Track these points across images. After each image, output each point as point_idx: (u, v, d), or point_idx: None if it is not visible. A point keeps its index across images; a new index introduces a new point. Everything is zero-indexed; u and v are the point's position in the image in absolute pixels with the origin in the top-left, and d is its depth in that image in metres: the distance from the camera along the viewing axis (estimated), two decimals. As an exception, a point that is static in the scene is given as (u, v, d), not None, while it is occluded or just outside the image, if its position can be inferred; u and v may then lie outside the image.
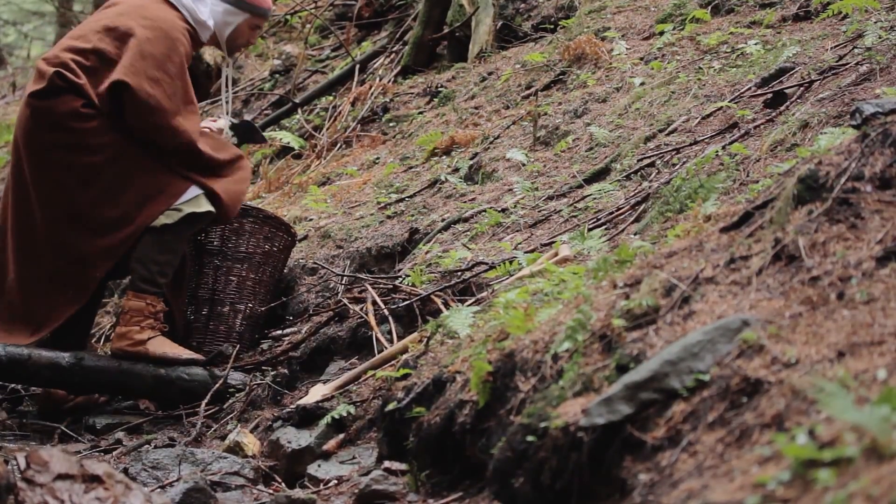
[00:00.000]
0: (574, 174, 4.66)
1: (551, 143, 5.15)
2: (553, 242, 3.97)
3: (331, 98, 7.39)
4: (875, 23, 4.52)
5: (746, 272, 2.24)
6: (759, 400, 1.84)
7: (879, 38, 4.35)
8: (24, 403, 4.66)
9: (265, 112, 7.77)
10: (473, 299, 3.74)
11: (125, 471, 3.37)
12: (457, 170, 5.29)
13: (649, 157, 4.39)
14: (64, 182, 4.19)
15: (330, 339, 4.23)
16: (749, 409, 1.85)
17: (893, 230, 2.12)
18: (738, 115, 4.35)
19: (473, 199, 4.88)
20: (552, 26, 6.69)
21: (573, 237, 3.82)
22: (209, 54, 7.90)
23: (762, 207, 2.46)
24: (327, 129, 6.91)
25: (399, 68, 7.14)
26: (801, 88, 4.29)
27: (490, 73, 6.37)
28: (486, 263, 3.97)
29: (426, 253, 4.46)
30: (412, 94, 6.79)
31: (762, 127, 4.16)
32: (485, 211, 4.60)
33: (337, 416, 3.40)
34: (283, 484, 3.34)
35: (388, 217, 5.09)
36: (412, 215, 4.99)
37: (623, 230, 3.85)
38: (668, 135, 4.56)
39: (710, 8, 5.71)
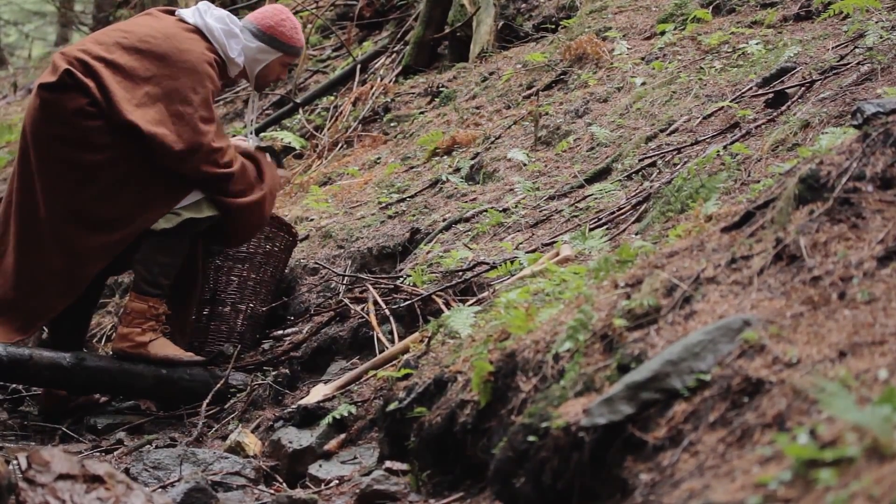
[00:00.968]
0: (575, 174, 4.66)
1: (552, 142, 5.15)
2: (554, 242, 3.97)
3: (332, 98, 7.39)
4: (876, 22, 4.52)
5: (748, 272, 2.24)
6: (761, 400, 1.84)
7: (880, 37, 4.35)
8: (25, 404, 4.66)
9: (266, 112, 7.77)
10: (475, 299, 3.74)
11: (126, 471, 3.37)
12: (458, 170, 5.30)
13: (650, 157, 4.39)
14: (66, 176, 4.18)
15: (331, 339, 4.23)
16: (750, 408, 1.85)
17: (894, 230, 2.12)
18: (740, 114, 4.35)
19: (475, 199, 4.88)
20: (553, 26, 6.69)
21: (574, 237, 3.82)
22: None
23: (763, 207, 2.46)
24: (328, 129, 6.91)
25: (400, 68, 7.14)
26: (803, 88, 4.29)
27: (491, 73, 6.37)
28: (488, 263, 3.97)
29: (427, 253, 4.46)
30: (413, 93, 6.79)
31: (763, 127, 4.16)
32: (486, 211, 4.61)
33: (338, 416, 3.40)
34: (284, 484, 3.34)
35: (390, 217, 5.10)
36: (413, 215, 4.99)
37: (624, 230, 3.85)
38: (669, 135, 4.56)
39: (711, 8, 5.71)
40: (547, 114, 5.35)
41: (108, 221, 4.21)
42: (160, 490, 3.12)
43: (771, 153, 3.82)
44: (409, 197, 5.23)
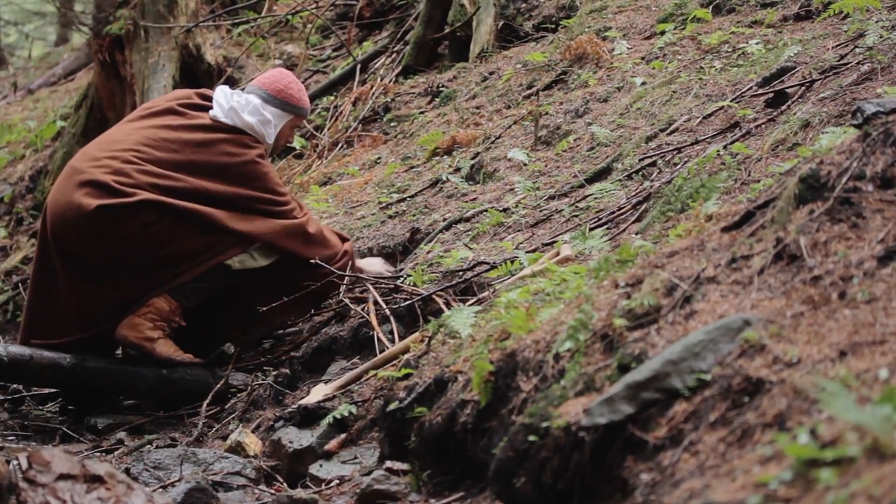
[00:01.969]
0: (575, 174, 4.66)
1: (553, 142, 5.15)
2: (554, 242, 3.97)
3: (332, 98, 7.39)
4: (876, 22, 4.52)
5: (748, 272, 2.24)
6: (761, 399, 1.84)
7: (881, 37, 4.35)
8: (25, 404, 4.66)
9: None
10: (475, 299, 3.74)
11: (127, 471, 3.37)
12: (458, 169, 5.30)
13: (651, 157, 4.39)
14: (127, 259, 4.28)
15: (331, 338, 4.23)
16: (751, 408, 1.85)
17: (895, 230, 2.12)
18: (740, 114, 4.36)
19: (475, 199, 4.89)
20: (553, 26, 6.69)
21: (574, 237, 3.82)
22: (210, 55, 7.90)
23: (763, 207, 2.46)
24: (329, 129, 6.91)
25: (400, 68, 7.14)
26: (803, 88, 4.29)
27: (491, 73, 6.37)
28: (488, 263, 3.97)
29: (427, 253, 4.47)
30: (413, 93, 6.79)
31: (763, 126, 4.16)
32: (486, 211, 4.61)
33: (338, 416, 3.40)
34: (284, 484, 3.35)
35: (390, 217, 5.10)
36: (413, 215, 4.99)
37: (624, 230, 3.86)
38: (669, 134, 4.56)
39: (711, 7, 5.71)
40: (547, 113, 5.35)
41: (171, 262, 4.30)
42: (161, 490, 3.12)
43: (771, 153, 3.82)
44: (409, 197, 5.23)
